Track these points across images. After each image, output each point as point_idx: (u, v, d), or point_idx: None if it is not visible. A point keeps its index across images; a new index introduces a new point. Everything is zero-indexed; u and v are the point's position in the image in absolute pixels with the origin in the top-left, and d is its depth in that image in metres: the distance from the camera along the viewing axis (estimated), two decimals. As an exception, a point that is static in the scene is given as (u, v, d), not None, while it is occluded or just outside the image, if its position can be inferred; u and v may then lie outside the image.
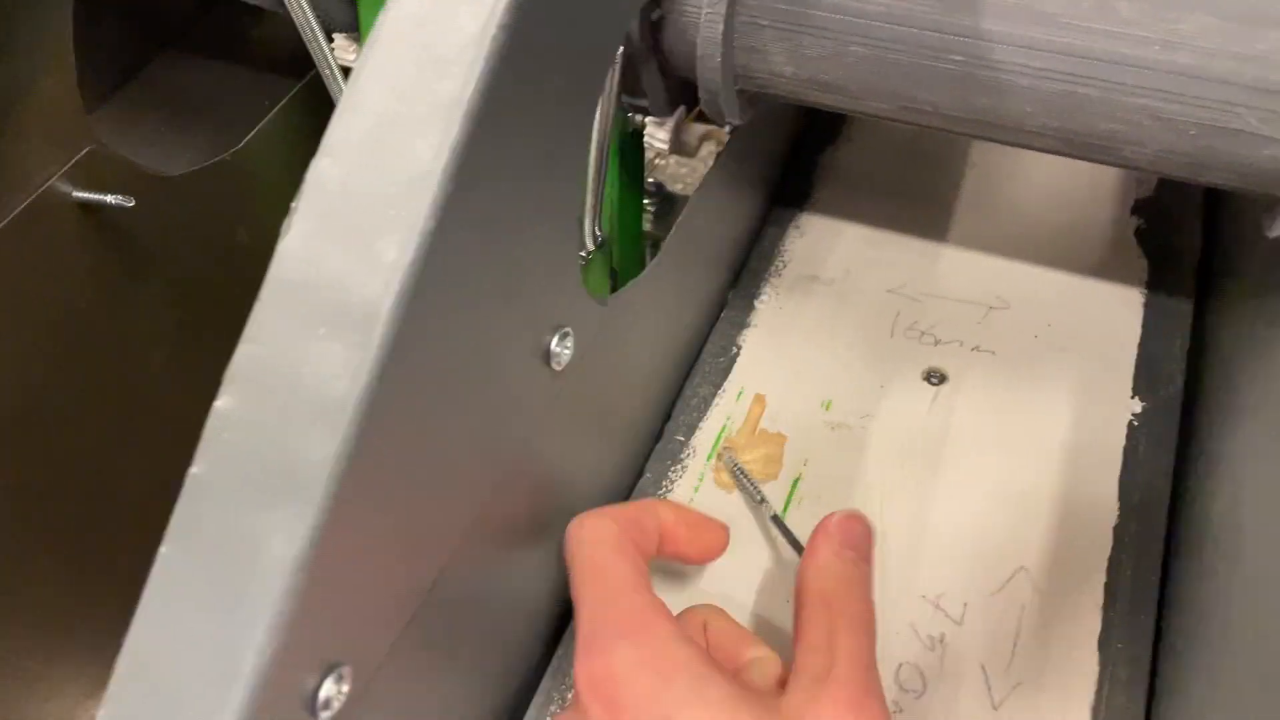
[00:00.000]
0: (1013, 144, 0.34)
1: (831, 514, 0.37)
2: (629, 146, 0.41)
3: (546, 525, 0.36)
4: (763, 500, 0.43)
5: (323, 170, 0.23)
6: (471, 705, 0.35)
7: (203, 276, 0.48)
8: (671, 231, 0.39)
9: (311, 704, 0.24)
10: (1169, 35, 0.30)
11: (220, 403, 0.23)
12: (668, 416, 0.47)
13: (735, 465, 0.44)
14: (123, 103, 0.58)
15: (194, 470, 0.23)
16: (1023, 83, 0.32)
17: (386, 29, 0.23)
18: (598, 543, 0.34)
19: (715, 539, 0.39)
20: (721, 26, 0.34)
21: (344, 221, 0.23)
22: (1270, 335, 0.36)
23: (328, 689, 0.25)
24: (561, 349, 0.31)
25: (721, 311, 0.51)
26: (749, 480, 0.44)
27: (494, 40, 0.23)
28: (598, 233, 0.41)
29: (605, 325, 0.35)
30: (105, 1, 0.56)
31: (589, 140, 0.29)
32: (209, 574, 0.23)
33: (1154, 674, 0.38)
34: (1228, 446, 0.38)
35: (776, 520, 0.42)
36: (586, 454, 0.39)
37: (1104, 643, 0.39)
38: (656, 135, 0.40)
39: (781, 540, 0.42)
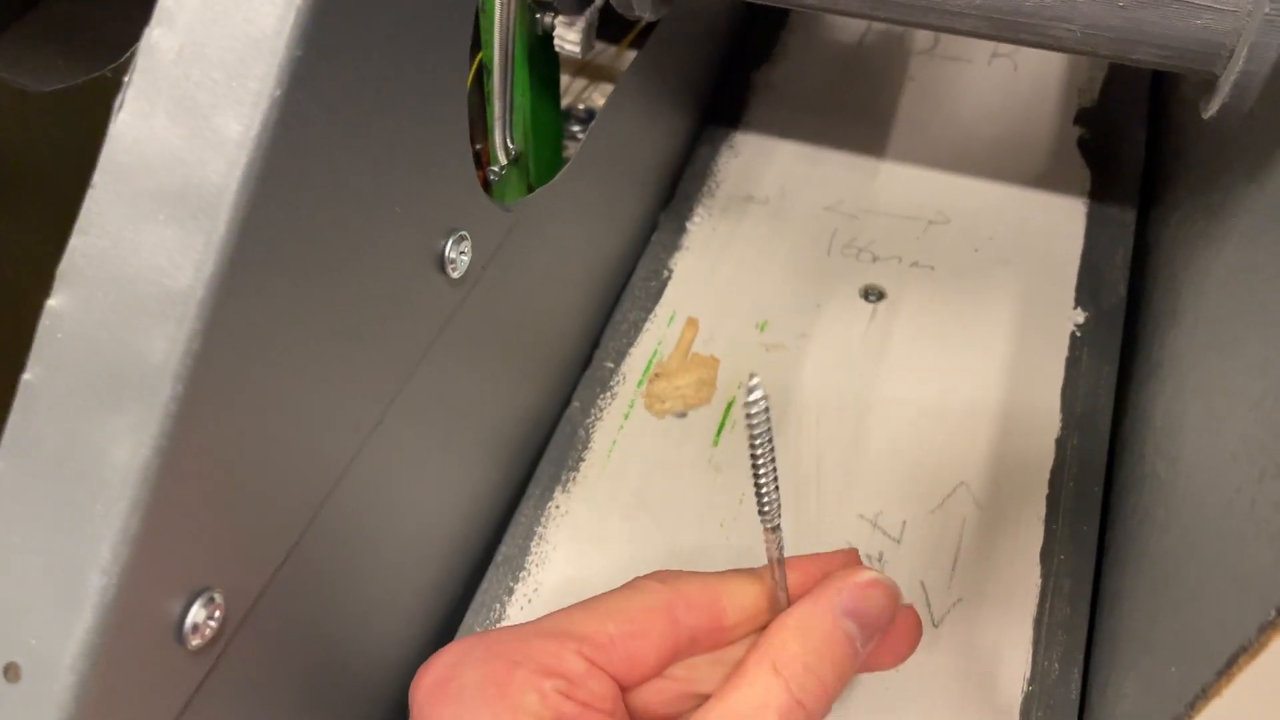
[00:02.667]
0: (939, 28, 0.32)
1: (856, 568, 0.29)
2: (540, 53, 0.39)
3: (458, 446, 0.34)
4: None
5: (156, 40, 0.21)
6: (383, 642, 0.33)
7: (79, 197, 0.45)
8: (583, 139, 0.37)
9: (178, 630, 0.22)
10: (1095, -102, 0.28)
11: (53, 301, 0.21)
12: (596, 344, 0.45)
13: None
14: (18, 36, 0.55)
15: (27, 377, 0.21)
16: (944, -43, 0.30)
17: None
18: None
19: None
20: (624, -93, 0.31)
21: (181, 95, 0.21)
22: (1208, 228, 0.35)
23: (196, 614, 0.23)
24: (458, 254, 0.29)
25: (652, 234, 0.49)
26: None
27: (342, -112, 0.21)
28: (510, 145, 0.39)
29: (513, 234, 0.33)
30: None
31: (468, 24, 0.27)
32: (48, 489, 0.20)
33: (1098, 585, 0.37)
34: (1169, 350, 0.37)
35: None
36: (503, 372, 0.37)
37: (1046, 555, 0.38)
38: (566, 37, 0.37)
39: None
